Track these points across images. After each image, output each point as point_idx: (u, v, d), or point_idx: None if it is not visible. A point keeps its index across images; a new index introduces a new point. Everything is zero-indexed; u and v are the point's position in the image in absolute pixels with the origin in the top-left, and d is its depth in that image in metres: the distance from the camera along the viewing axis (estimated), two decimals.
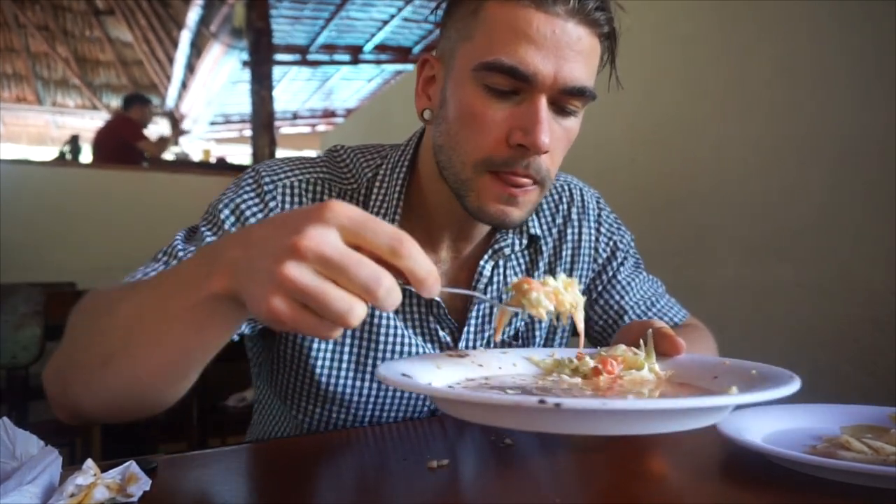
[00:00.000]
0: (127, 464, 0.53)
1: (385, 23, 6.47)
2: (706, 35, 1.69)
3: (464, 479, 0.60)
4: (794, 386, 0.52)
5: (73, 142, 5.44)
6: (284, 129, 9.41)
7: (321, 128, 9.56)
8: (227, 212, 0.77)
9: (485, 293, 0.85)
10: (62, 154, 5.45)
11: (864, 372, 1.27)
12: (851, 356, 1.30)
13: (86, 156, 5.40)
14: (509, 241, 0.85)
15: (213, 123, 9.34)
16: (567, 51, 0.68)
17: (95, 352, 0.59)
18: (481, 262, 0.84)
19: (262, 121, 4.99)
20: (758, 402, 0.50)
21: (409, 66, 6.17)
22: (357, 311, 0.44)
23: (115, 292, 0.62)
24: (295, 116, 9.48)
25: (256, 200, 0.77)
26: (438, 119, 0.76)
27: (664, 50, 1.81)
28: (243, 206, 0.77)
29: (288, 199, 0.78)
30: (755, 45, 1.55)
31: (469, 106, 0.71)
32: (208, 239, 0.75)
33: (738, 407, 0.56)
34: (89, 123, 8.00)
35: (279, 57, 6.48)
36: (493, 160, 0.70)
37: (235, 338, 0.74)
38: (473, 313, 0.85)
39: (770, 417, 0.67)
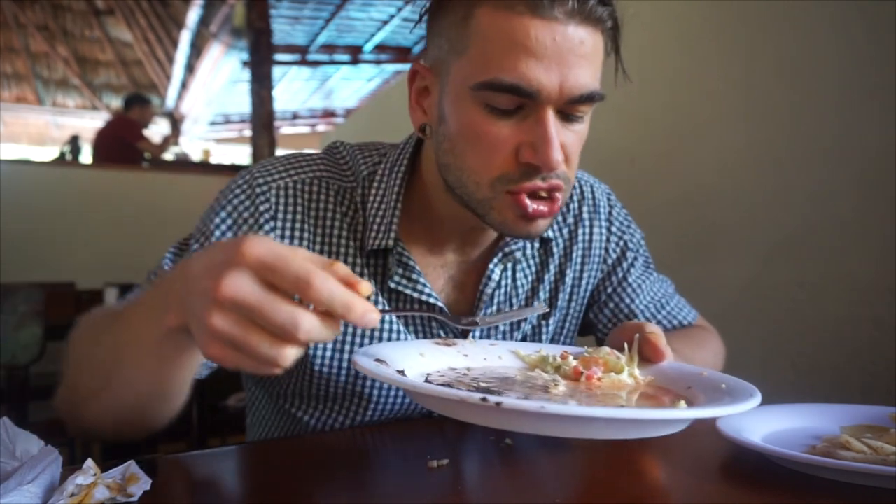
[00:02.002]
0: (127, 464, 0.53)
1: (385, 23, 6.47)
2: (707, 35, 1.69)
3: (464, 479, 0.60)
4: (752, 403, 0.52)
5: (74, 142, 5.45)
6: (284, 129, 9.41)
7: (321, 128, 9.56)
8: (217, 220, 0.75)
9: (492, 297, 0.83)
10: (62, 154, 5.45)
11: (864, 372, 1.27)
12: (851, 356, 1.30)
13: (86, 156, 5.40)
14: (520, 244, 0.83)
15: (212, 123, 9.35)
16: (570, 57, 0.63)
17: (88, 382, 0.62)
18: (490, 266, 0.81)
19: (262, 121, 4.99)
20: (710, 417, 0.52)
21: (409, 66, 6.15)
22: (284, 354, 0.45)
23: (101, 320, 0.65)
24: (295, 116, 9.48)
25: (248, 204, 0.75)
26: (439, 136, 0.71)
27: (665, 50, 1.81)
28: (235, 214, 0.75)
29: (282, 200, 0.75)
30: (756, 45, 1.55)
31: (471, 126, 0.66)
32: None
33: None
34: (89, 123, 7.99)
35: (279, 57, 6.48)
36: (508, 177, 0.67)
37: None
38: (481, 314, 0.83)
39: (770, 417, 0.67)
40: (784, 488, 0.54)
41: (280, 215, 0.75)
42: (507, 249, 0.82)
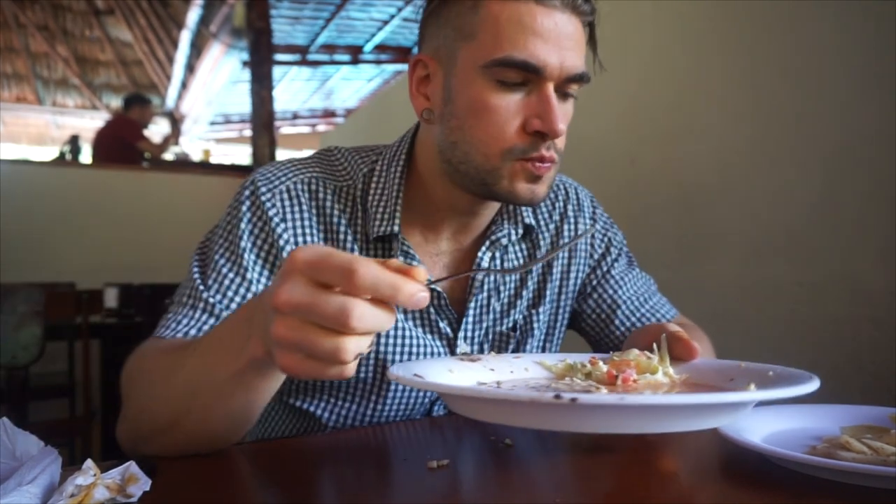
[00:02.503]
0: (127, 464, 0.53)
1: (385, 23, 6.48)
2: (708, 35, 1.69)
3: (464, 479, 0.60)
4: (814, 384, 0.52)
5: (73, 142, 5.44)
6: (284, 129, 9.41)
7: (321, 128, 9.56)
8: (243, 243, 0.79)
9: (483, 284, 0.87)
10: (62, 154, 5.45)
11: (864, 372, 1.27)
12: (851, 356, 1.30)
13: (86, 156, 5.40)
14: (505, 231, 0.88)
15: (213, 123, 9.35)
16: (566, 41, 0.72)
17: (160, 418, 0.64)
18: (479, 254, 0.86)
19: (263, 121, 4.99)
20: (777, 399, 0.50)
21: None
22: (344, 345, 0.46)
23: (166, 359, 0.67)
24: (295, 116, 9.48)
25: (259, 213, 0.80)
26: (446, 116, 0.77)
27: (665, 50, 1.81)
28: (250, 226, 0.80)
29: (287, 202, 0.81)
30: (757, 45, 1.55)
31: (482, 101, 0.73)
32: (229, 275, 0.78)
33: (758, 405, 0.56)
34: (89, 123, 8.00)
35: (279, 57, 6.48)
36: (518, 148, 0.74)
37: None
38: (472, 304, 0.86)
39: (770, 418, 0.67)
40: (784, 489, 0.54)
41: (289, 216, 0.80)
42: (493, 238, 0.87)
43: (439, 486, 0.57)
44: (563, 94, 0.75)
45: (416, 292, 0.46)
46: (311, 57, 7.13)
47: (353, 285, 0.45)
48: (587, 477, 0.61)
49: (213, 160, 7.14)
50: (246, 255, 0.78)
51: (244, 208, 0.80)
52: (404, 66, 6.94)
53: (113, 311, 2.88)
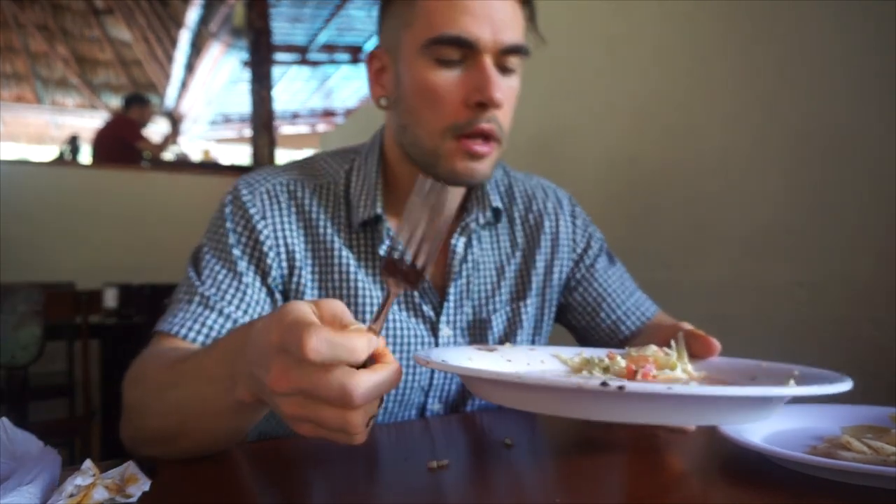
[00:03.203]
0: (126, 464, 0.53)
1: None
2: (708, 35, 1.69)
3: (464, 479, 0.60)
4: (847, 384, 0.52)
5: (73, 141, 5.45)
6: (284, 128, 9.41)
7: (321, 127, 9.55)
8: (228, 241, 0.83)
9: (461, 270, 0.90)
10: (62, 154, 5.45)
11: (864, 372, 1.27)
12: (851, 356, 1.30)
13: (85, 156, 5.40)
14: (474, 215, 0.90)
15: (212, 123, 9.34)
16: (499, 15, 0.76)
17: (157, 431, 0.65)
18: (452, 241, 0.88)
19: (262, 121, 4.99)
20: (814, 397, 0.50)
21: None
22: (352, 420, 0.46)
23: (161, 374, 0.67)
24: (295, 116, 9.47)
25: (241, 213, 0.84)
26: (397, 102, 0.83)
27: (665, 50, 1.81)
28: (232, 225, 0.84)
29: (266, 201, 0.85)
30: (757, 45, 1.55)
31: (424, 80, 0.77)
32: (221, 271, 0.82)
33: (793, 401, 0.56)
34: (89, 123, 7.99)
35: (279, 56, 6.47)
36: (458, 124, 0.77)
37: None
38: (452, 288, 0.89)
39: (770, 417, 0.67)
40: (785, 488, 0.53)
41: (268, 213, 0.84)
42: (463, 224, 0.89)
43: (439, 486, 0.57)
44: (503, 69, 0.78)
45: (361, 346, 0.45)
46: (311, 56, 7.13)
47: (352, 360, 0.45)
48: (587, 477, 0.61)
49: (213, 160, 7.13)
50: (233, 252, 0.82)
51: (227, 210, 0.85)
52: None
53: (112, 311, 2.88)
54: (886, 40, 1.26)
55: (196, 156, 7.16)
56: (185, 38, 7.01)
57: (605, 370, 0.64)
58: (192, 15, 6.41)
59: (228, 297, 0.80)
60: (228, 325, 0.79)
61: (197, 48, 7.08)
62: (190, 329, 0.77)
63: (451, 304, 0.89)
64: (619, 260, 1.02)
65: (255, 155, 4.97)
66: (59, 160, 5.22)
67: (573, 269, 0.98)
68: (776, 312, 1.45)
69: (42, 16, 8.07)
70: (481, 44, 0.75)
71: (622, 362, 0.63)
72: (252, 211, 0.84)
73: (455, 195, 0.86)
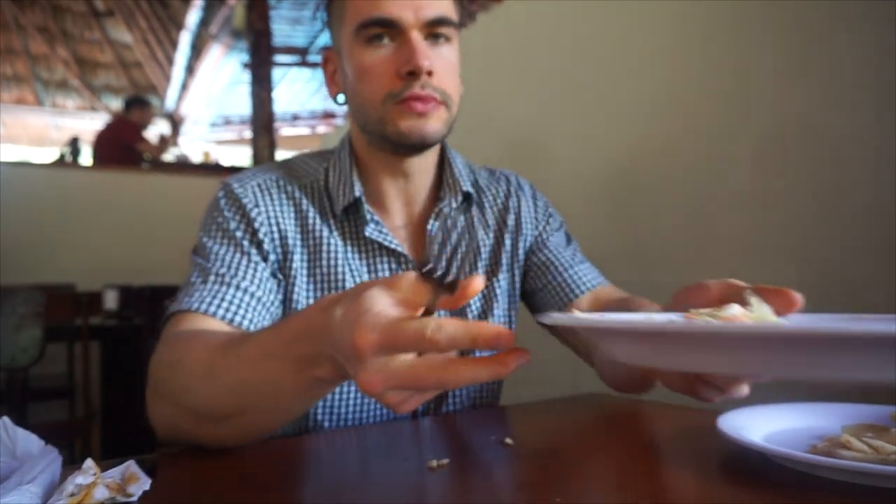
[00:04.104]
0: (127, 463, 0.53)
1: None
2: (708, 36, 1.69)
3: (464, 479, 0.60)
4: None
5: (73, 143, 5.44)
6: (284, 130, 9.41)
7: (321, 129, 9.55)
8: (229, 225, 0.86)
9: (438, 255, 0.91)
10: (62, 156, 5.45)
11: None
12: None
13: (86, 157, 5.40)
14: (446, 200, 0.94)
15: (213, 125, 9.35)
16: None
17: (208, 412, 0.65)
18: (427, 227, 0.93)
19: (262, 122, 4.99)
20: None
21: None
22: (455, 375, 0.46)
23: (206, 355, 0.66)
24: (295, 118, 9.48)
25: (234, 205, 0.88)
26: (348, 91, 0.88)
27: (666, 51, 1.81)
28: (229, 215, 0.87)
29: (258, 192, 0.89)
30: (759, 44, 1.55)
31: (360, 63, 0.84)
32: (229, 251, 0.85)
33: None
34: (89, 125, 8.00)
35: (279, 58, 6.48)
36: (393, 92, 0.82)
37: None
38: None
39: (770, 417, 0.67)
40: (785, 488, 0.53)
41: (261, 202, 0.88)
42: (436, 209, 0.93)
43: (439, 486, 0.57)
44: (434, 38, 0.84)
45: (494, 336, 0.44)
46: (311, 58, 7.13)
47: (435, 351, 0.45)
48: (587, 477, 0.61)
49: (213, 162, 7.14)
50: (236, 234, 0.86)
51: (222, 203, 0.89)
52: None
53: (113, 312, 2.88)
54: (887, 41, 1.26)
55: (196, 157, 7.16)
56: (185, 39, 7.02)
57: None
58: (193, 17, 6.42)
59: (241, 272, 0.83)
60: (247, 299, 0.81)
61: (197, 50, 7.09)
62: (210, 304, 0.78)
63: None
64: (575, 241, 1.06)
65: (256, 157, 4.97)
66: (60, 162, 5.22)
67: (534, 241, 1.03)
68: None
69: (42, 18, 8.08)
70: (404, 21, 0.81)
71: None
72: (245, 201, 0.88)
73: (419, 169, 0.91)
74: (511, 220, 1.01)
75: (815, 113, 1.41)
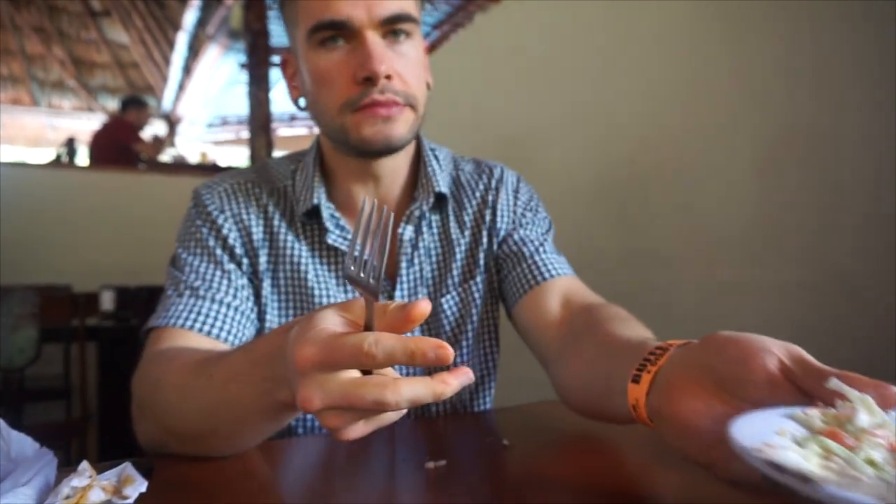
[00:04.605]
0: (123, 465, 0.52)
1: None
2: (709, 36, 1.69)
3: (462, 479, 0.59)
4: None
5: (70, 144, 5.43)
6: (282, 130, 9.40)
7: (318, 130, 9.54)
8: (201, 235, 0.87)
9: (411, 258, 0.91)
10: (58, 156, 5.44)
11: (863, 372, 1.27)
12: (850, 356, 1.30)
13: (82, 158, 5.39)
14: (418, 202, 0.90)
15: (210, 126, 9.33)
16: None
17: (184, 431, 0.66)
18: (399, 230, 0.90)
19: (260, 123, 4.98)
20: None
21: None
22: (394, 413, 0.47)
23: (184, 376, 0.66)
24: (292, 118, 9.46)
25: (202, 211, 0.89)
26: (308, 95, 0.85)
27: (666, 52, 1.81)
28: (199, 222, 0.88)
29: (224, 197, 0.89)
30: (758, 46, 1.55)
31: (315, 67, 0.81)
32: (202, 264, 0.85)
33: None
34: (85, 125, 7.98)
35: (276, 59, 6.45)
36: (351, 100, 0.79)
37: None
38: (402, 276, 0.90)
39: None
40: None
41: (226, 207, 0.88)
42: (408, 212, 0.90)
43: (438, 487, 0.56)
44: (393, 35, 0.80)
45: (430, 349, 0.43)
46: None
47: (372, 368, 0.44)
48: (587, 477, 0.61)
49: (210, 162, 7.13)
50: (208, 243, 0.86)
51: (193, 212, 0.90)
52: None
53: (109, 313, 2.87)
54: (887, 41, 1.26)
55: (194, 158, 7.15)
56: (182, 40, 7.00)
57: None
58: (189, 17, 6.40)
59: (216, 284, 0.82)
60: (224, 310, 0.81)
61: (194, 50, 7.07)
62: (188, 319, 0.78)
63: (405, 292, 0.90)
64: (552, 234, 0.99)
65: (253, 157, 4.96)
66: (56, 162, 5.21)
67: (506, 234, 0.96)
68: (776, 313, 1.45)
69: (38, 18, 8.06)
70: (356, 22, 0.77)
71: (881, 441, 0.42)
72: (211, 207, 0.88)
73: (389, 172, 0.88)
74: (488, 216, 0.96)
75: (815, 114, 1.41)
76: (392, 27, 0.79)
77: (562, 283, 0.89)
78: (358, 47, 0.78)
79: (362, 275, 0.47)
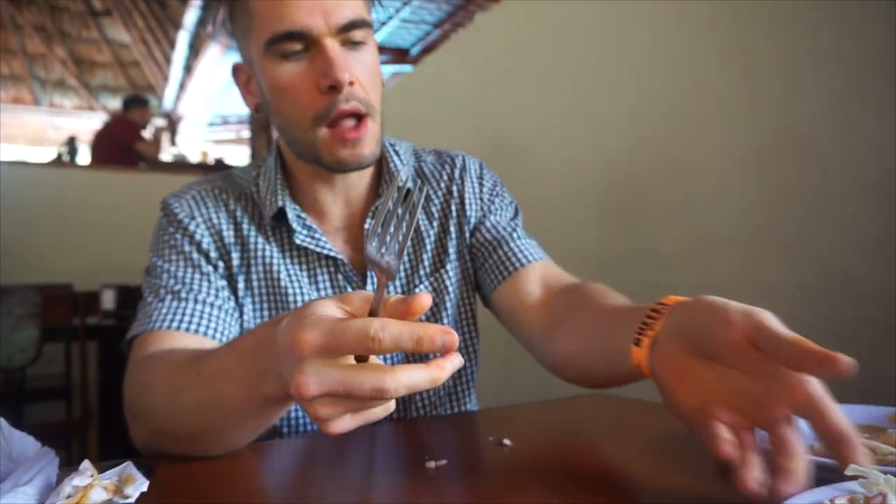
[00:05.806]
0: (124, 465, 0.53)
1: (383, 24, 6.47)
2: (707, 35, 1.69)
3: (463, 479, 0.60)
4: None
5: (71, 143, 5.44)
6: None
7: None
8: (173, 241, 0.87)
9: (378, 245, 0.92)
10: (60, 155, 5.44)
11: (862, 373, 1.27)
12: (850, 357, 1.30)
13: (83, 157, 5.39)
14: (382, 199, 0.90)
15: (210, 125, 9.33)
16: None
17: (176, 432, 0.66)
18: (365, 225, 0.90)
19: (260, 122, 4.99)
20: None
21: (408, 67, 6.17)
22: (390, 405, 0.48)
23: (173, 377, 0.67)
24: None
25: (171, 219, 0.89)
26: (268, 108, 0.85)
27: (664, 51, 1.81)
28: (171, 230, 0.88)
29: (192, 203, 0.89)
30: (756, 44, 1.55)
31: (276, 79, 0.79)
32: (178, 268, 0.85)
33: None
34: (86, 124, 7.99)
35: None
36: (319, 112, 0.78)
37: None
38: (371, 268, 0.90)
39: None
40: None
41: (195, 212, 0.89)
42: (373, 207, 0.91)
43: (438, 487, 0.57)
44: (352, 44, 0.79)
45: (437, 335, 0.43)
46: None
47: (376, 353, 0.43)
48: (587, 477, 0.61)
49: (211, 162, 7.13)
50: (184, 248, 0.86)
51: (163, 222, 0.90)
52: (403, 68, 6.99)
53: (110, 312, 2.87)
54: (886, 41, 1.26)
55: (194, 157, 7.15)
56: (183, 39, 7.00)
57: None
58: (190, 16, 6.40)
59: (196, 286, 0.82)
60: (207, 309, 0.81)
61: (195, 50, 7.07)
62: (172, 321, 0.78)
63: (376, 284, 0.90)
64: (520, 219, 1.00)
65: (254, 156, 4.97)
66: (57, 162, 5.22)
67: (477, 222, 0.96)
68: (775, 313, 1.45)
69: (40, 17, 8.07)
70: (314, 31, 0.77)
71: None
72: (182, 215, 0.88)
73: (357, 176, 0.89)
74: (455, 206, 0.96)
75: (814, 114, 1.41)
76: (349, 35, 0.79)
77: (539, 268, 0.91)
78: (317, 56, 0.78)
79: (383, 251, 0.47)
